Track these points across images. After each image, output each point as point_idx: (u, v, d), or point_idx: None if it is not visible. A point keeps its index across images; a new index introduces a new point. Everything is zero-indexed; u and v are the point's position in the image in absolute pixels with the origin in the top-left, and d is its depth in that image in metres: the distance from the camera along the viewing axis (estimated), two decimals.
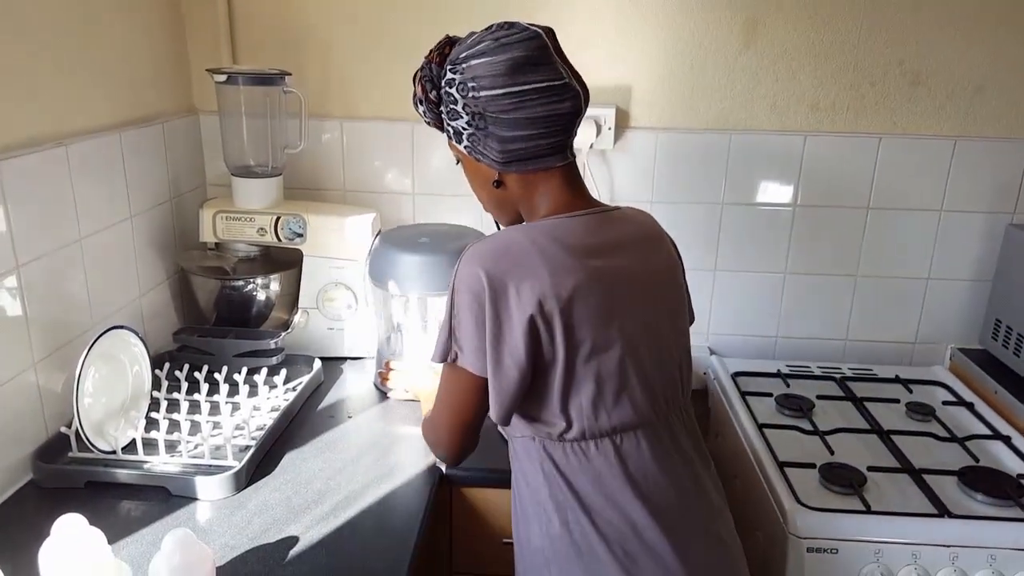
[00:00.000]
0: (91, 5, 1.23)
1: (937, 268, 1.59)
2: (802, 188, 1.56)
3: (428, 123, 0.97)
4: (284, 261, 1.50)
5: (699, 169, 1.55)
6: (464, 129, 0.91)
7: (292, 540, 0.97)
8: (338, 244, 1.44)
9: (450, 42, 0.94)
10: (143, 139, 1.37)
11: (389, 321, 1.40)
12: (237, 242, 1.48)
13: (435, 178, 1.60)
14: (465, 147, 0.93)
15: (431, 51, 0.94)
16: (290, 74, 1.46)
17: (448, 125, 0.94)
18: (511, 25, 0.89)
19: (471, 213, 1.56)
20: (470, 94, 0.88)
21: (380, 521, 1.03)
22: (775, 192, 1.57)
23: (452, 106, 0.90)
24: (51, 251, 1.13)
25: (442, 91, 0.91)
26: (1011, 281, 1.51)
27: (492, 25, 0.91)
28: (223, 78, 1.40)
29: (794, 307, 1.63)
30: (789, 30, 1.48)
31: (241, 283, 1.46)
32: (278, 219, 1.44)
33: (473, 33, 0.92)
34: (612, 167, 1.56)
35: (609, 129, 1.50)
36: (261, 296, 1.47)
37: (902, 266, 1.59)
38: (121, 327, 1.15)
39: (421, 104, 0.96)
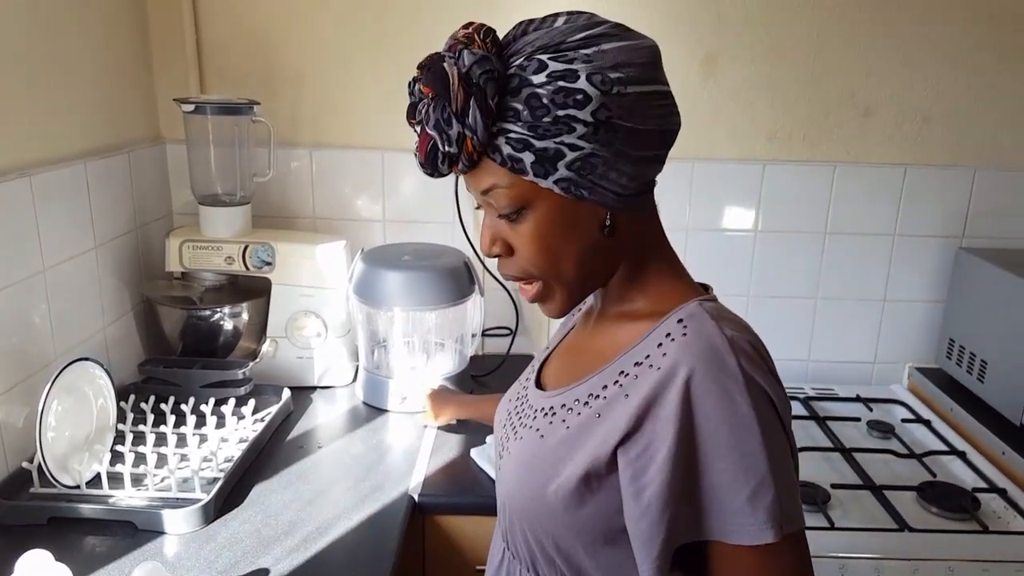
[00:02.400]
0: (58, 34, 1.22)
1: (892, 291, 1.65)
2: (762, 214, 1.61)
3: (447, 155, 0.64)
4: (252, 289, 1.49)
5: (664, 195, 1.57)
6: (575, 149, 0.62)
7: (262, 573, 0.96)
8: (308, 272, 1.44)
9: (493, 30, 0.65)
10: (109, 168, 1.36)
11: (374, 337, 1.41)
12: (204, 271, 1.47)
13: (406, 204, 1.62)
14: (564, 180, 0.63)
15: (467, 38, 0.63)
16: (258, 103, 1.47)
17: (524, 149, 0.62)
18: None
19: (442, 239, 1.58)
20: (614, 89, 0.61)
21: (352, 551, 1.02)
22: (737, 218, 1.61)
23: (554, 113, 0.61)
24: (14, 282, 1.11)
25: (526, 93, 0.61)
26: (962, 303, 1.58)
27: (558, 13, 0.65)
28: (191, 108, 1.40)
29: (757, 329, 1.64)
30: (747, 63, 1.54)
31: (208, 312, 1.44)
32: (246, 247, 1.44)
33: (547, 17, 0.65)
34: None
35: None
36: (228, 325, 1.46)
37: (860, 289, 1.65)
38: (86, 359, 1.14)
39: (459, 120, 0.62)
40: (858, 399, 1.61)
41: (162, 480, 1.11)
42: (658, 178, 0.71)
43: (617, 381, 0.67)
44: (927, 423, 1.52)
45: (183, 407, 1.28)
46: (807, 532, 0.73)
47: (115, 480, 1.10)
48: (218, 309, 1.45)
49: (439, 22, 1.51)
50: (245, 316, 1.47)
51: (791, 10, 1.51)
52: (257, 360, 1.42)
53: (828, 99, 1.56)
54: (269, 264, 1.44)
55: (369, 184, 1.61)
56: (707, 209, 1.60)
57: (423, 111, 0.65)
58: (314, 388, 1.49)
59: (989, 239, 1.60)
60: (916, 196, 1.59)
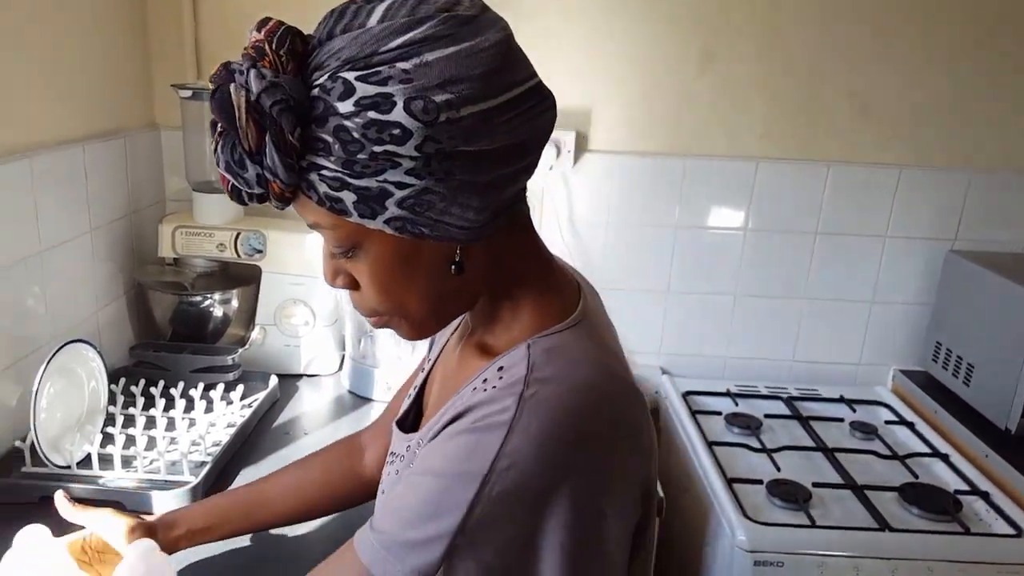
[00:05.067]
0: (56, 19, 1.23)
1: (881, 292, 1.65)
2: (753, 213, 1.61)
3: (254, 195, 0.56)
4: (243, 277, 1.50)
5: (654, 192, 1.60)
6: (403, 187, 0.52)
7: (249, 552, 0.97)
8: (298, 261, 1.45)
9: (293, 33, 0.54)
10: (105, 153, 1.37)
11: (361, 327, 1.42)
12: (196, 257, 1.48)
13: None
14: (396, 220, 0.54)
15: (257, 50, 0.53)
16: None
17: (342, 188, 0.53)
18: None
19: None
20: (441, 116, 0.50)
21: (333, 534, 1.03)
22: (727, 216, 1.62)
23: (370, 150, 0.51)
24: (12, 263, 1.12)
25: (333, 124, 0.51)
26: (950, 306, 1.59)
27: (391, 1, 0.53)
28: (188, 94, 1.40)
29: (743, 328, 1.68)
30: (744, 60, 1.54)
31: (199, 299, 1.46)
32: (238, 235, 1.45)
33: (362, 7, 0.53)
34: (571, 190, 1.60)
35: (569, 152, 1.54)
36: (218, 312, 1.47)
37: (848, 290, 1.65)
38: (79, 341, 1.15)
39: (255, 161, 0.53)
40: (842, 400, 1.62)
41: (151, 462, 1.12)
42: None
43: (435, 429, 0.61)
44: (911, 425, 1.53)
45: (172, 391, 1.29)
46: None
47: (105, 461, 1.11)
48: (208, 295, 1.46)
49: None
50: (235, 303, 1.48)
51: (790, 8, 1.51)
52: (246, 347, 1.43)
53: (825, 97, 1.56)
54: (260, 252, 1.45)
55: None
56: (696, 207, 1.61)
57: (214, 145, 0.55)
58: (300, 376, 1.50)
59: (981, 242, 1.61)
60: (910, 197, 1.60)
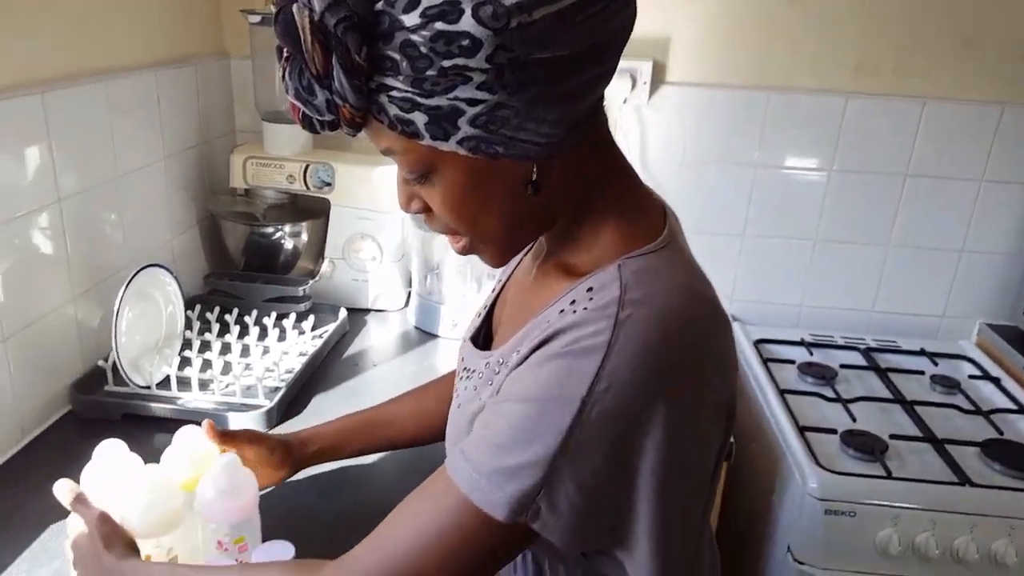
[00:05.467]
0: None
1: (972, 241, 1.56)
2: (839, 152, 1.52)
3: (325, 123, 0.54)
4: (312, 210, 1.51)
5: (733, 128, 1.52)
6: (475, 103, 0.50)
7: (324, 474, 0.98)
8: (366, 194, 1.45)
9: None
10: (177, 80, 1.37)
11: (428, 263, 1.42)
12: (266, 188, 1.49)
13: None
14: (469, 140, 0.52)
15: None
16: None
17: (413, 110, 0.51)
18: None
19: None
20: (512, 22, 0.47)
21: (406, 458, 1.03)
22: (810, 156, 1.53)
23: (439, 65, 0.49)
24: (90, 187, 1.14)
25: (399, 40, 0.49)
26: None
27: None
28: (257, 19, 1.38)
29: (821, 276, 1.61)
30: None
31: (270, 230, 1.47)
32: (307, 167, 1.44)
33: None
34: (645, 125, 1.53)
35: (644, 83, 1.47)
36: (289, 244, 1.48)
37: (936, 237, 1.56)
38: (156, 265, 1.17)
39: (323, 85, 0.51)
40: (923, 353, 1.55)
41: (227, 386, 1.15)
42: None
43: (520, 350, 0.59)
44: (996, 380, 1.46)
45: (246, 319, 1.31)
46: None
47: (183, 384, 1.14)
48: (279, 227, 1.47)
49: None
50: (304, 236, 1.49)
51: None
52: (316, 279, 1.44)
53: (924, 27, 1.44)
54: (329, 185, 1.45)
55: None
56: (778, 145, 1.53)
57: (282, 72, 0.53)
58: (368, 311, 1.51)
59: None
60: (1011, 138, 1.48)
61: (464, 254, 0.63)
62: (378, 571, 0.56)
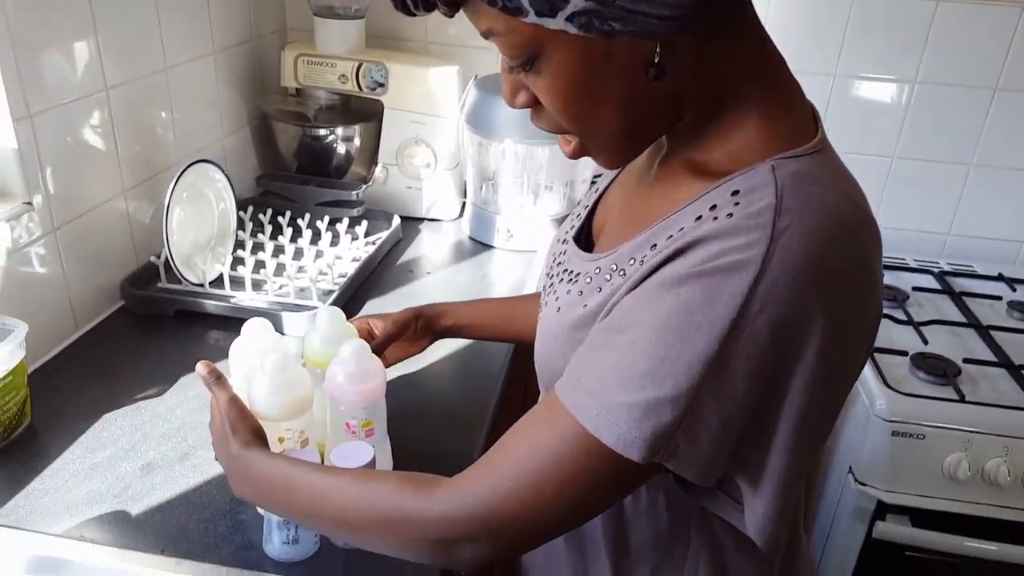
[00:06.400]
0: None
1: None
2: (925, 61, 1.42)
3: (418, 3, 0.50)
4: (365, 113, 1.46)
5: (811, 33, 1.42)
6: None
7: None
8: (420, 97, 1.39)
9: None
10: None
11: (483, 172, 1.37)
12: (318, 88, 1.43)
13: None
14: (581, 15, 0.46)
15: None
16: None
17: None
18: None
19: None
20: None
21: (466, 360, 1.03)
22: (893, 64, 1.43)
23: None
24: (138, 78, 1.10)
25: None
26: None
27: None
28: None
29: (896, 195, 1.52)
30: None
31: (323, 132, 1.42)
32: (360, 66, 1.38)
33: None
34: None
35: None
36: (341, 148, 1.44)
37: (1022, 157, 1.46)
38: (206, 160, 1.14)
39: None
40: (1000, 278, 1.47)
41: (280, 287, 1.13)
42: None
43: (638, 258, 0.53)
44: None
45: (299, 222, 1.29)
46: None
47: (236, 283, 1.13)
48: (332, 130, 1.43)
49: None
50: (357, 140, 1.45)
51: None
52: (369, 184, 1.40)
53: None
54: (382, 85, 1.39)
55: None
56: (859, 53, 1.42)
57: None
58: (422, 220, 1.47)
59: None
60: None
61: (575, 157, 0.57)
62: (491, 496, 0.52)
